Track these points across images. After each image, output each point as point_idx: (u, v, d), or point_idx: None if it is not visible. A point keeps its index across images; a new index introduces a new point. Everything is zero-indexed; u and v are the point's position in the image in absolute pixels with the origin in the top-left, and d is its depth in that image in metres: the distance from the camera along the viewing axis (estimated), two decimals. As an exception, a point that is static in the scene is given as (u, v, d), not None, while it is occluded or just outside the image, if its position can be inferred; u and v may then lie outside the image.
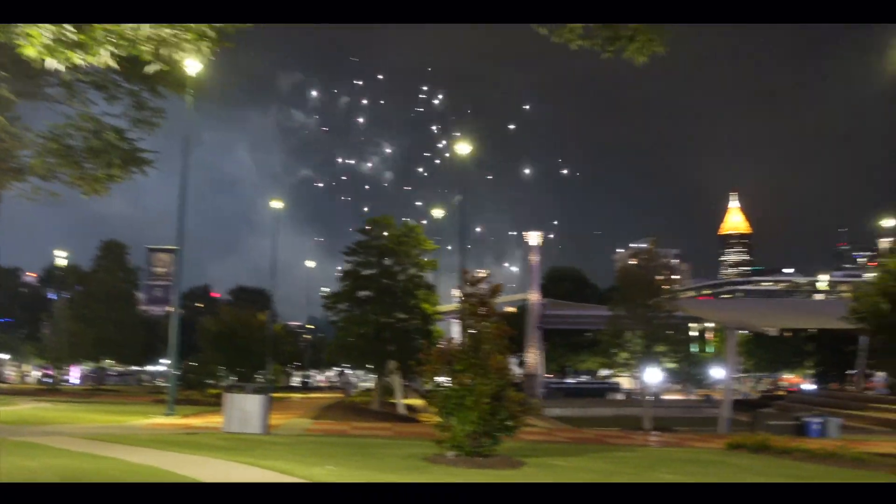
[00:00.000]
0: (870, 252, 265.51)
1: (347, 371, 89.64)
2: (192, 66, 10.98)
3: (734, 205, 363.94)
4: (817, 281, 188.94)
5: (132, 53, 6.85)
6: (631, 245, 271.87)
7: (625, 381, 57.98)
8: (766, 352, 73.41)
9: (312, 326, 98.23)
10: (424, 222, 42.34)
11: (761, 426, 28.65)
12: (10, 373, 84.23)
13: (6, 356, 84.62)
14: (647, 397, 34.82)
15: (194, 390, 46.40)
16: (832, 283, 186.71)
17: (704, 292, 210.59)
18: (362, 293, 40.66)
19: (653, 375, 34.77)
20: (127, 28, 6.44)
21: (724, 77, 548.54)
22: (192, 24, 6.76)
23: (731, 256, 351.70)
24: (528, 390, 49.10)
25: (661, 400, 49.73)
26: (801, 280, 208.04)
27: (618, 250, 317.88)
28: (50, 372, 62.59)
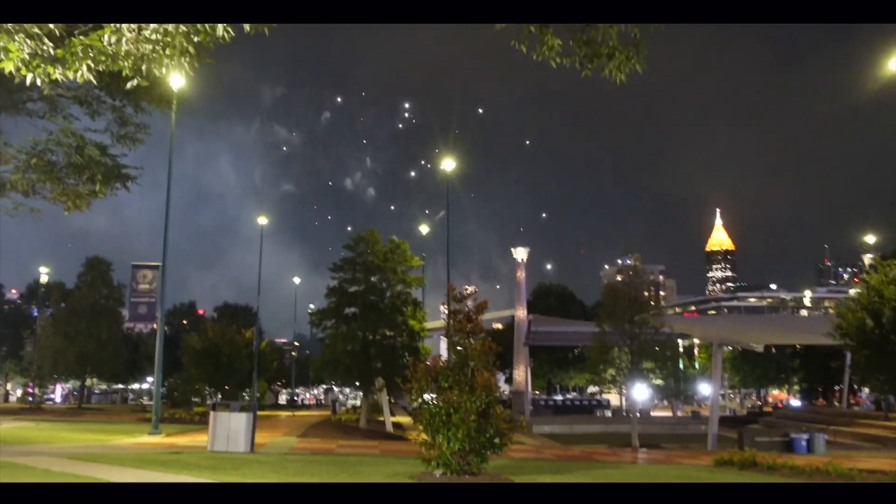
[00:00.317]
0: (853, 268, 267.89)
1: (335, 388, 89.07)
2: (175, 81, 10.95)
3: (719, 222, 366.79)
4: (802, 297, 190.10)
5: (112, 69, 6.80)
6: (617, 261, 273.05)
7: (612, 398, 57.91)
8: (752, 368, 73.56)
9: (298, 343, 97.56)
10: (407, 242, 41.95)
11: (749, 442, 28.64)
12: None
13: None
14: (634, 414, 34.76)
15: (179, 408, 45.93)
16: (816, 300, 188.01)
17: (690, 308, 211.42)
18: (349, 310, 40.47)
19: (640, 392, 34.75)
20: (106, 43, 6.39)
21: (706, 94, 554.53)
22: (172, 40, 6.72)
23: (717, 273, 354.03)
24: (515, 407, 48.91)
25: (649, 416, 49.65)
26: (786, 296, 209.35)
27: (605, 266, 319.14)
28: (32, 390, 61.72)
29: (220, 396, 50.59)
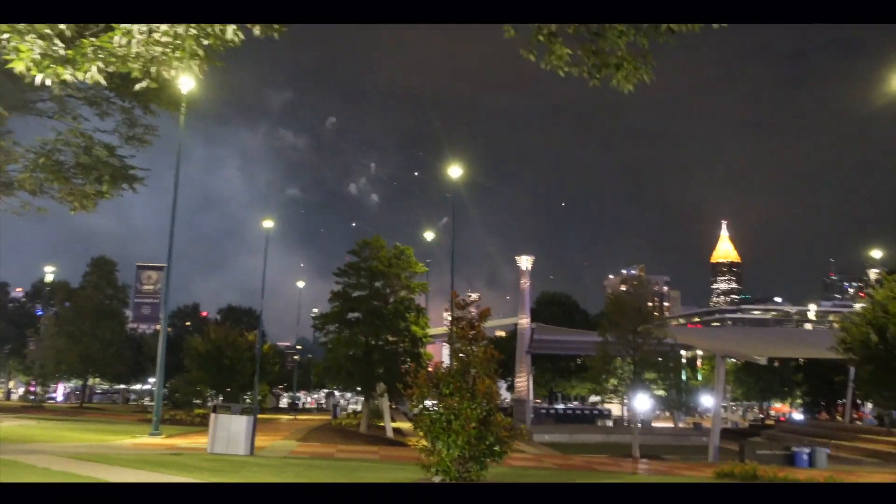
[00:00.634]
0: (859, 283, 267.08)
1: (336, 393, 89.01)
2: (185, 84, 11.00)
3: (725, 233, 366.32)
4: (807, 310, 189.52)
5: (121, 70, 6.85)
6: (622, 271, 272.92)
7: (614, 408, 57.77)
8: (755, 381, 73.36)
9: (300, 347, 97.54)
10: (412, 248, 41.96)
11: (750, 455, 28.54)
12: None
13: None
14: (635, 424, 34.69)
15: (180, 410, 45.96)
16: (821, 313, 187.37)
17: (694, 320, 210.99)
18: (352, 315, 40.49)
19: (641, 402, 34.67)
20: (116, 44, 6.44)
21: (715, 108, 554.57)
22: (182, 42, 6.77)
23: (722, 285, 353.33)
24: (517, 415, 48.84)
25: (650, 427, 49.51)
26: (791, 309, 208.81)
27: (610, 276, 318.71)
28: (34, 389, 61.84)
29: (221, 399, 50.60)
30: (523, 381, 51.89)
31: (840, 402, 64.07)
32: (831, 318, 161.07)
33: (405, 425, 44.76)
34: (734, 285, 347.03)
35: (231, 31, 6.84)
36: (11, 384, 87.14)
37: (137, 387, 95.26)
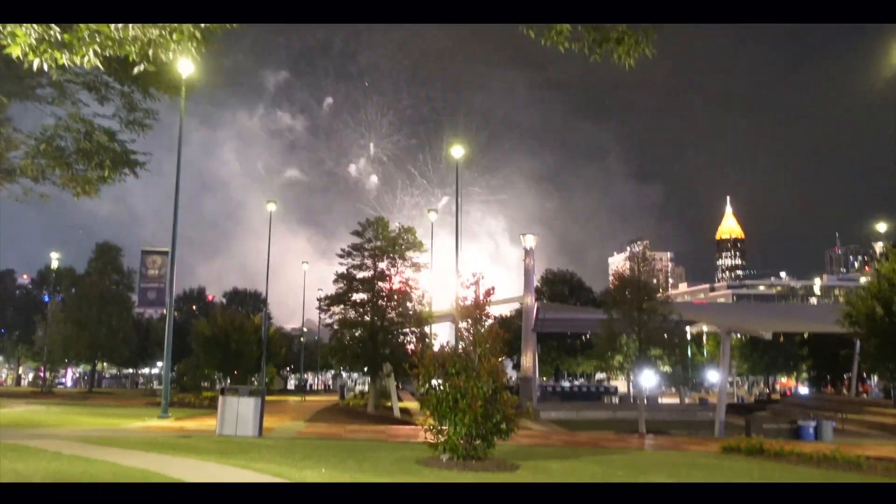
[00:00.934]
0: (864, 256, 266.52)
1: (343, 374, 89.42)
2: (184, 66, 10.95)
3: (729, 209, 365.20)
4: (812, 285, 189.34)
5: (119, 54, 6.81)
6: (626, 248, 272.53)
7: (620, 385, 57.90)
8: (760, 356, 73.45)
9: (306, 329, 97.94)
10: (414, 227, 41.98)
11: (756, 429, 28.62)
12: (2, 375, 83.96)
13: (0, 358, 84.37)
14: (641, 401, 34.79)
15: (189, 393, 46.29)
16: (826, 288, 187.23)
17: (699, 296, 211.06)
18: (357, 296, 40.55)
19: (647, 379, 34.73)
20: (113, 28, 6.40)
21: (718, 86, 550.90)
22: (180, 25, 6.72)
23: (726, 261, 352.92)
24: (523, 393, 49.02)
25: (656, 403, 49.65)
26: (796, 284, 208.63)
27: (614, 253, 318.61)
28: (43, 374, 62.32)
29: (228, 382, 50.92)
30: (529, 360, 51.97)
31: (846, 375, 64.22)
32: (836, 292, 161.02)
33: (412, 405, 44.99)
34: (739, 261, 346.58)
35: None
36: (21, 370, 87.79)
37: (146, 371, 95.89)
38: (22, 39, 6.22)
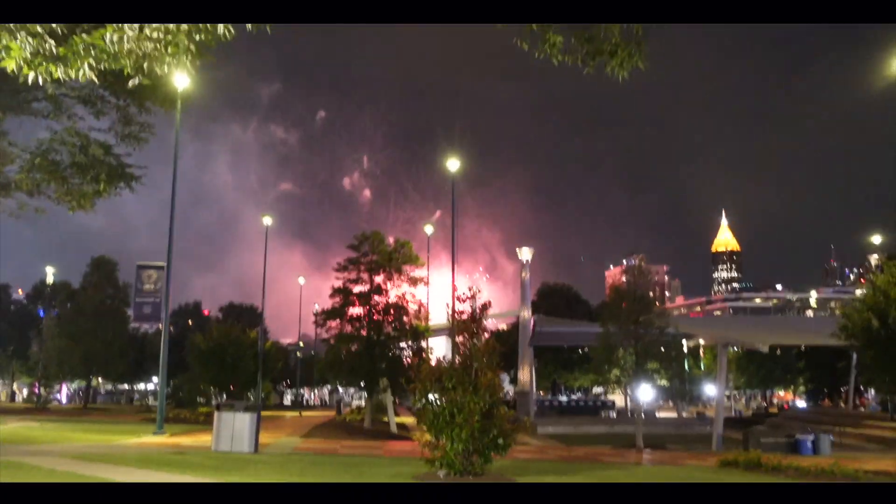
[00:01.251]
0: (860, 269, 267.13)
1: (339, 389, 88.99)
2: (178, 80, 10.95)
3: (725, 222, 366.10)
4: (808, 297, 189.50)
5: (114, 67, 6.79)
6: (622, 261, 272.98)
7: (617, 399, 57.75)
8: (757, 369, 73.30)
9: (302, 344, 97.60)
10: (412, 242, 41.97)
11: (754, 443, 28.53)
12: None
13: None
14: (639, 415, 34.69)
15: (184, 409, 46.01)
16: (822, 300, 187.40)
17: (696, 309, 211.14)
18: (353, 310, 40.42)
19: (644, 393, 34.64)
20: (108, 41, 6.38)
21: (712, 97, 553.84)
22: (174, 38, 6.71)
23: (722, 273, 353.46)
24: (520, 408, 48.87)
25: (654, 417, 49.52)
26: (792, 297, 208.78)
27: (610, 266, 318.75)
28: (37, 390, 61.88)
29: (224, 396, 50.65)
30: (526, 374, 51.87)
31: (843, 388, 64.06)
32: (832, 304, 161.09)
33: (409, 420, 44.79)
34: (735, 274, 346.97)
35: (222, 25, 6.78)
36: (15, 386, 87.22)
37: (141, 386, 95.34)
38: (17, 53, 6.20)
